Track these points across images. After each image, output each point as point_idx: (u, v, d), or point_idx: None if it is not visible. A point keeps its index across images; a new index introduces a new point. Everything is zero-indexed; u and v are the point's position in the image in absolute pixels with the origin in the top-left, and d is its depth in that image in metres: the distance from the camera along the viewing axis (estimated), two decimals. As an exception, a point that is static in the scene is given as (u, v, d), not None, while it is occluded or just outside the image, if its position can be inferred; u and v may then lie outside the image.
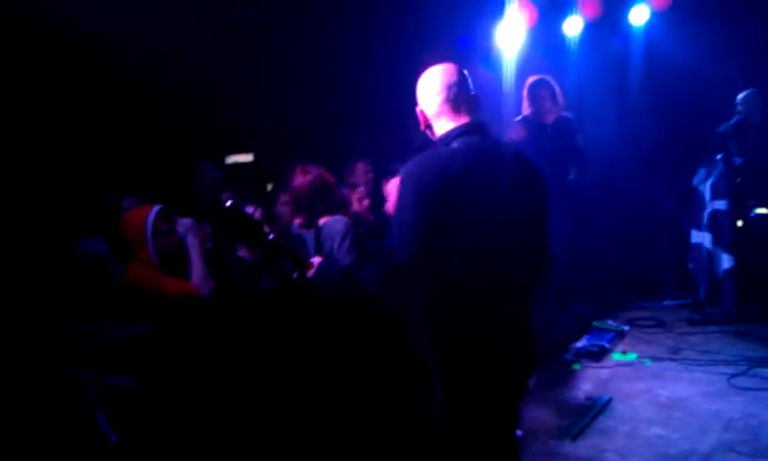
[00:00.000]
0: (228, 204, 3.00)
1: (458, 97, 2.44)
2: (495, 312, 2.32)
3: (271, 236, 2.74)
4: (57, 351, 2.53)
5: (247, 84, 6.56)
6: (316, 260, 2.61)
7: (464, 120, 2.43)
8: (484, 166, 2.33)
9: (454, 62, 2.53)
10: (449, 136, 2.42)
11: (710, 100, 6.77)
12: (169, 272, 3.47)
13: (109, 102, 5.30)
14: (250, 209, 4.52)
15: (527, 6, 6.79)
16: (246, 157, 7.14)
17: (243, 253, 3.94)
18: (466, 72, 2.51)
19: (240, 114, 6.51)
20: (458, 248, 2.28)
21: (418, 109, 2.53)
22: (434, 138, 2.51)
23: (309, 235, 3.83)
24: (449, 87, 2.44)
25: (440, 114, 2.46)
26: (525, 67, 6.53)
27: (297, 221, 4.00)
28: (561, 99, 5.83)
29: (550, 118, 5.78)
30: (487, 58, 6.93)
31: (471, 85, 2.49)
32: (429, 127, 2.51)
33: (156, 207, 3.58)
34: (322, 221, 3.92)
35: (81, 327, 2.78)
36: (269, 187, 6.12)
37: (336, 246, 3.67)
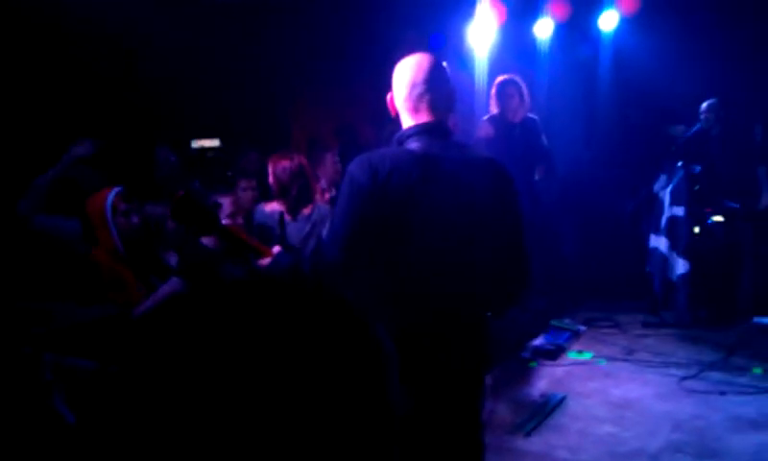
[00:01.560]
0: (181, 193, 2.98)
1: (423, 95, 2.35)
2: (444, 312, 2.29)
3: (223, 223, 2.73)
4: (13, 330, 2.50)
5: (216, 68, 6.49)
6: (275, 250, 2.60)
7: (424, 119, 2.35)
8: (437, 169, 2.27)
9: (429, 53, 2.46)
10: (405, 135, 2.37)
11: (676, 106, 6.90)
12: (133, 255, 3.45)
13: (72, 78, 5.21)
14: (219, 197, 4.51)
15: (497, 5, 6.85)
16: (212, 143, 7.07)
17: (207, 241, 3.93)
18: (444, 65, 2.43)
19: (208, 98, 6.45)
20: (399, 248, 2.24)
21: (388, 97, 2.46)
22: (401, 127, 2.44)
23: (293, 224, 3.89)
24: (414, 85, 2.36)
25: (403, 109, 2.40)
26: (496, 67, 6.59)
27: (268, 208, 4.03)
28: (528, 99, 5.89)
29: (517, 117, 5.84)
30: (458, 56, 6.98)
31: (446, 83, 2.41)
32: (396, 118, 2.45)
33: (116, 189, 3.55)
34: (307, 210, 3.97)
35: (40, 306, 2.75)
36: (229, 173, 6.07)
37: (325, 231, 3.75)
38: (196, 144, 6.84)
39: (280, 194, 4.03)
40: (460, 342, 2.34)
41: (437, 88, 2.38)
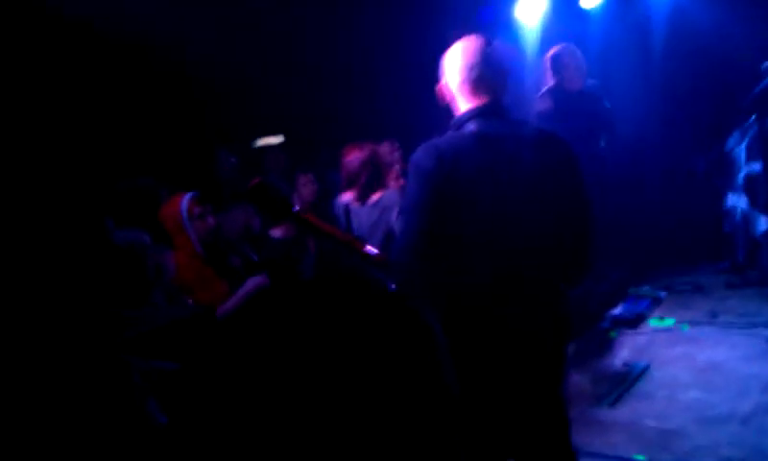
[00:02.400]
0: (257, 179, 3.06)
1: (478, 77, 2.37)
2: (515, 294, 2.29)
3: (296, 209, 2.78)
4: (107, 338, 2.62)
5: (274, 68, 6.59)
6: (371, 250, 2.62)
7: (481, 101, 2.37)
8: (499, 149, 2.28)
9: (478, 35, 2.48)
10: (463, 119, 2.38)
11: (741, 61, 6.64)
12: (212, 257, 3.59)
13: (133, 90, 5.38)
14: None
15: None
16: (275, 140, 7.20)
17: (277, 233, 4.03)
18: (494, 45, 2.43)
19: (268, 97, 6.56)
20: (469, 230, 2.25)
21: (440, 84, 2.48)
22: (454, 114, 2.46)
23: (362, 211, 3.97)
24: (470, 67, 2.37)
25: (458, 93, 2.41)
26: (547, 38, 6.48)
27: (341, 198, 4.12)
28: (584, 66, 5.78)
29: (575, 87, 5.74)
30: (508, 30, 6.90)
31: (499, 62, 2.42)
32: (450, 104, 2.47)
33: (189, 194, 3.68)
34: (376, 196, 4.05)
35: (126, 313, 2.88)
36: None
37: (394, 217, 3.80)
38: (260, 142, 6.97)
39: (350, 184, 4.12)
40: (537, 317, 2.34)
41: (491, 68, 2.40)
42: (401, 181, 4.81)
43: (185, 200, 3.64)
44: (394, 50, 6.78)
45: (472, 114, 2.36)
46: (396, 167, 5.06)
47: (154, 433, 2.21)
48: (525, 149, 2.32)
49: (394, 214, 3.86)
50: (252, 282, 3.50)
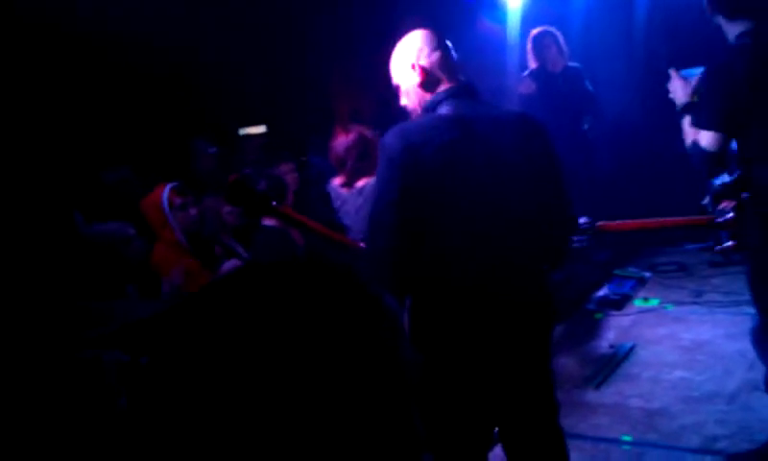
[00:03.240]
0: (233, 178, 3.04)
1: (444, 59, 2.37)
2: (495, 277, 2.25)
3: (274, 205, 2.76)
4: (73, 334, 2.57)
5: (257, 54, 6.52)
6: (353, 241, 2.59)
7: (452, 83, 2.35)
8: (471, 130, 2.25)
9: (454, 19, 2.46)
10: (435, 101, 2.34)
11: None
12: (198, 248, 3.55)
13: (111, 82, 5.30)
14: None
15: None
16: (258, 129, 7.13)
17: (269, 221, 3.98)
18: (446, 42, 2.43)
19: (252, 85, 6.49)
20: (443, 214, 2.22)
21: (395, 83, 2.44)
22: (414, 111, 2.42)
23: (349, 197, 3.93)
24: (433, 51, 2.36)
25: (425, 80, 2.36)
26: (529, 19, 6.45)
27: (335, 182, 4.08)
28: (565, 48, 5.77)
29: (557, 68, 5.73)
30: (491, 10, 6.87)
31: (450, 48, 2.41)
32: (412, 98, 2.42)
33: (170, 184, 3.65)
34: (362, 181, 3.99)
35: (99, 307, 2.84)
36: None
37: None
38: (243, 132, 6.91)
39: (339, 168, 4.09)
40: (520, 302, 2.32)
41: (452, 52, 2.41)
42: None
43: (166, 190, 3.61)
44: (377, 36, 6.73)
45: (445, 95, 2.33)
46: None
47: (125, 432, 2.18)
48: (499, 130, 2.29)
49: None
50: (227, 268, 3.47)
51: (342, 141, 4.08)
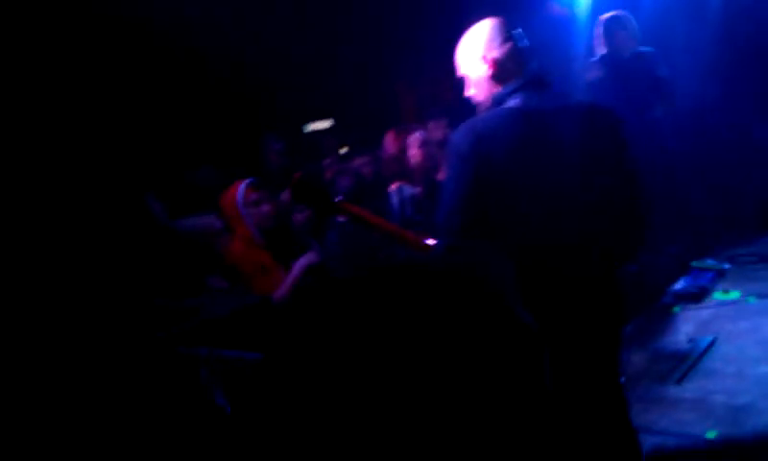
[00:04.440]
0: (297, 175, 3.07)
1: (514, 51, 2.33)
2: (564, 274, 2.23)
3: (341, 202, 2.78)
4: (162, 330, 2.64)
5: (319, 50, 6.58)
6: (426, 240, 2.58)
7: (519, 76, 2.31)
8: (541, 124, 2.22)
9: (519, 4, 2.42)
10: (504, 94, 2.31)
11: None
12: (273, 243, 3.61)
13: (182, 80, 5.43)
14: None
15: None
16: (324, 124, 7.21)
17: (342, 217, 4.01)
18: (516, 31, 2.40)
19: (316, 81, 6.56)
20: (514, 210, 2.19)
21: (461, 74, 2.41)
22: (483, 103, 2.39)
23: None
24: (503, 42, 2.33)
25: (493, 72, 2.33)
26: (599, 3, 6.30)
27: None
28: (636, 32, 5.61)
29: (626, 54, 5.58)
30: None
31: (522, 38, 2.38)
32: (481, 90, 2.39)
33: (246, 180, 3.72)
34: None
35: (189, 303, 2.92)
36: (343, 150, 6.17)
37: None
38: (309, 128, 6.99)
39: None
40: (589, 297, 2.29)
41: (522, 42, 2.37)
42: None
43: (242, 187, 3.69)
44: (443, 28, 6.70)
45: (514, 88, 2.30)
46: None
47: (221, 424, 2.23)
48: (568, 123, 2.26)
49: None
50: (299, 265, 3.51)
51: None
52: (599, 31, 5.68)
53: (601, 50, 5.68)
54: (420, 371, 0.65)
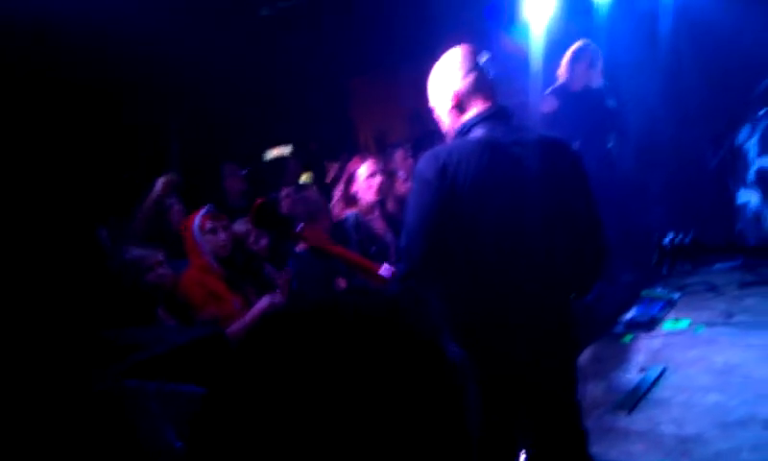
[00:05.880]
0: (259, 201, 3.05)
1: (479, 81, 2.37)
2: (519, 303, 2.26)
3: (301, 230, 2.76)
4: (107, 364, 2.57)
5: (276, 79, 6.60)
6: (384, 268, 2.59)
7: (485, 106, 2.35)
8: (504, 155, 2.25)
9: (477, 37, 2.47)
10: (468, 124, 2.34)
11: (753, 53, 6.56)
12: (229, 272, 3.58)
13: (137, 106, 5.39)
14: None
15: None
16: (284, 150, 7.21)
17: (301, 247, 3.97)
18: (485, 56, 2.43)
19: (273, 108, 6.56)
20: (474, 239, 2.22)
21: (432, 104, 2.45)
22: (448, 134, 2.43)
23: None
24: (469, 72, 2.37)
25: (460, 102, 2.37)
26: (554, 35, 6.43)
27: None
28: (597, 65, 5.72)
29: (586, 85, 5.69)
30: (514, 28, 6.87)
31: (490, 68, 2.41)
32: (446, 121, 2.44)
33: (204, 208, 3.69)
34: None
35: (138, 335, 2.86)
36: (303, 178, 6.15)
37: None
38: (269, 155, 6.98)
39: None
40: (544, 329, 2.31)
41: (488, 73, 2.41)
42: (408, 185, 4.78)
43: (198, 215, 3.66)
44: (401, 57, 6.77)
45: (478, 119, 2.34)
46: (401, 174, 5.02)
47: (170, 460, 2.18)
48: (532, 155, 2.29)
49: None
50: (261, 305, 3.48)
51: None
52: (563, 62, 5.77)
53: (560, 80, 5.78)
54: (341, 410, 0.65)
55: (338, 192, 4.16)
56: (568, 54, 5.72)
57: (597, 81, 5.64)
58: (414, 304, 0.84)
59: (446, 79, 2.40)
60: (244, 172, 5.54)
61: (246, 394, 0.76)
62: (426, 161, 2.26)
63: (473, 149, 2.26)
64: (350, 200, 3.97)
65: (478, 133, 2.32)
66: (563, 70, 5.73)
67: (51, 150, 4.53)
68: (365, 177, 4.01)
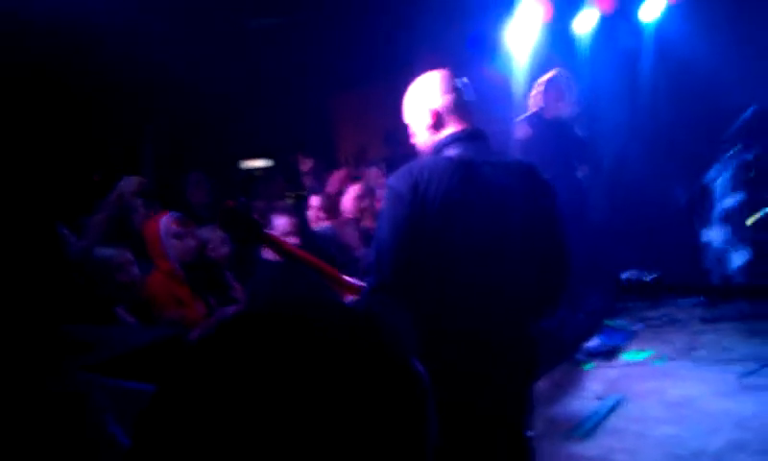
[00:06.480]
0: (228, 204, 3.05)
1: (456, 103, 2.39)
2: (485, 324, 2.27)
3: (266, 234, 2.76)
4: (58, 358, 2.55)
5: (258, 91, 6.62)
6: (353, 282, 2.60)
7: (461, 127, 2.38)
8: (476, 175, 2.27)
9: (459, 64, 2.50)
10: (442, 143, 2.37)
11: (726, 93, 6.70)
12: (193, 278, 3.58)
13: (114, 108, 5.36)
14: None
15: (542, 2, 6.79)
16: (260, 163, 7.21)
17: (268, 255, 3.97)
18: (463, 79, 2.47)
19: (258, 121, 6.57)
20: (444, 260, 2.23)
21: (407, 121, 2.48)
22: (422, 151, 2.46)
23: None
24: (446, 94, 2.40)
25: (436, 122, 2.40)
26: (536, 65, 6.53)
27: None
28: (569, 94, 5.78)
29: (560, 113, 5.75)
30: (496, 57, 6.96)
31: (467, 91, 2.45)
32: (421, 138, 2.46)
33: (171, 213, 3.68)
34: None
35: (97, 332, 2.85)
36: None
37: None
38: (245, 165, 6.97)
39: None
40: (504, 348, 2.32)
41: (466, 95, 2.44)
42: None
43: (165, 219, 3.65)
44: (383, 76, 6.82)
45: (452, 139, 2.36)
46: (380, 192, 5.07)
47: (116, 456, 2.17)
48: (503, 177, 2.32)
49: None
50: (229, 311, 3.50)
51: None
52: (536, 90, 5.83)
53: (532, 108, 5.85)
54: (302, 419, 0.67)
55: (315, 201, 4.19)
56: (539, 83, 5.79)
57: (568, 111, 5.71)
58: (378, 316, 0.85)
59: (425, 96, 2.43)
60: (205, 180, 5.48)
61: (196, 393, 0.76)
62: (399, 176, 2.27)
63: (445, 166, 2.28)
64: (330, 211, 4.01)
65: (452, 151, 2.34)
66: (533, 98, 5.79)
67: (20, 147, 4.49)
68: (353, 196, 4.04)
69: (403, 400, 0.76)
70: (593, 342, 5.47)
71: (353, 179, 5.16)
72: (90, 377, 2.48)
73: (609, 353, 5.27)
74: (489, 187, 2.28)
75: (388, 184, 2.31)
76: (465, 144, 2.35)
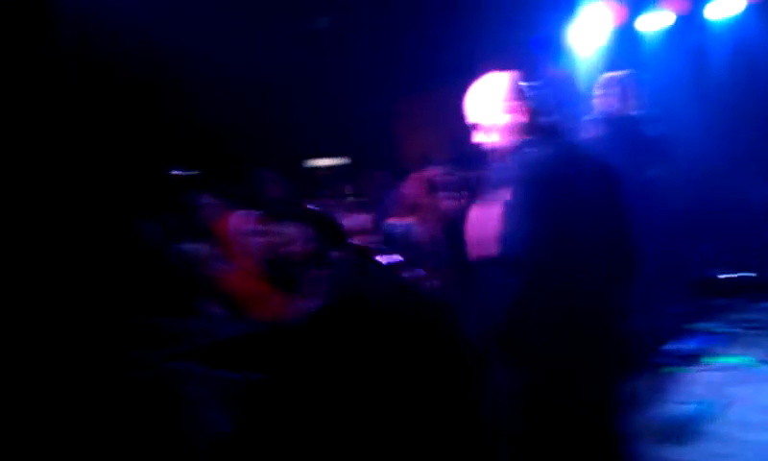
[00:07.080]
0: (312, 206, 3.06)
1: (530, 102, 2.39)
2: (591, 319, 2.24)
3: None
4: (144, 349, 2.57)
5: (332, 91, 6.67)
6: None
7: (539, 125, 2.38)
8: (576, 169, 2.26)
9: (526, 65, 2.51)
10: (524, 143, 2.34)
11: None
12: (272, 271, 3.57)
13: (191, 108, 5.46)
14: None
15: (612, 4, 6.67)
16: (326, 162, 7.26)
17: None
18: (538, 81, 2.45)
19: (320, 119, 6.62)
20: (562, 253, 2.19)
21: (474, 121, 2.45)
22: (501, 150, 2.41)
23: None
24: (520, 94, 2.39)
25: (510, 124, 2.38)
26: (602, 65, 6.39)
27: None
28: (632, 94, 5.62)
29: (625, 113, 5.59)
30: (560, 58, 6.87)
31: (543, 91, 2.45)
32: (496, 138, 2.42)
33: (248, 211, 3.70)
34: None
35: (181, 324, 2.86)
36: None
37: None
38: (310, 164, 7.02)
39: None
40: (604, 351, 2.29)
41: (542, 95, 2.44)
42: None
43: (245, 215, 3.67)
44: (450, 78, 6.78)
45: (537, 137, 2.34)
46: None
47: (216, 442, 2.14)
48: (594, 172, 2.31)
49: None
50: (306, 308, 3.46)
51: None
52: (600, 89, 5.69)
53: (597, 109, 5.70)
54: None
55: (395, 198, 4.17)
56: (606, 82, 5.64)
57: (635, 110, 5.54)
58: (445, 302, 0.81)
59: (504, 96, 2.40)
60: (279, 178, 5.52)
61: (292, 383, 0.74)
62: (542, 167, 2.23)
63: (569, 162, 2.27)
64: (409, 209, 4.00)
65: (535, 149, 2.30)
66: (599, 98, 5.65)
67: (101, 148, 4.61)
68: (421, 195, 4.02)
69: (455, 371, 0.74)
70: (685, 345, 5.26)
71: (425, 179, 5.09)
72: (184, 366, 2.49)
73: (701, 357, 5.04)
74: (583, 186, 2.25)
75: (527, 174, 2.23)
76: (547, 142, 2.32)
